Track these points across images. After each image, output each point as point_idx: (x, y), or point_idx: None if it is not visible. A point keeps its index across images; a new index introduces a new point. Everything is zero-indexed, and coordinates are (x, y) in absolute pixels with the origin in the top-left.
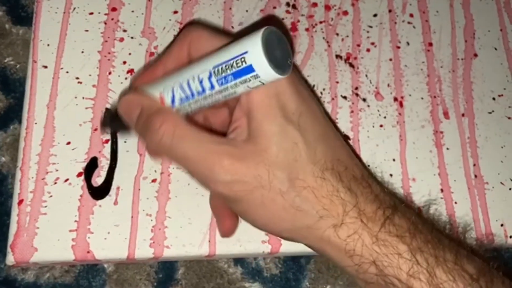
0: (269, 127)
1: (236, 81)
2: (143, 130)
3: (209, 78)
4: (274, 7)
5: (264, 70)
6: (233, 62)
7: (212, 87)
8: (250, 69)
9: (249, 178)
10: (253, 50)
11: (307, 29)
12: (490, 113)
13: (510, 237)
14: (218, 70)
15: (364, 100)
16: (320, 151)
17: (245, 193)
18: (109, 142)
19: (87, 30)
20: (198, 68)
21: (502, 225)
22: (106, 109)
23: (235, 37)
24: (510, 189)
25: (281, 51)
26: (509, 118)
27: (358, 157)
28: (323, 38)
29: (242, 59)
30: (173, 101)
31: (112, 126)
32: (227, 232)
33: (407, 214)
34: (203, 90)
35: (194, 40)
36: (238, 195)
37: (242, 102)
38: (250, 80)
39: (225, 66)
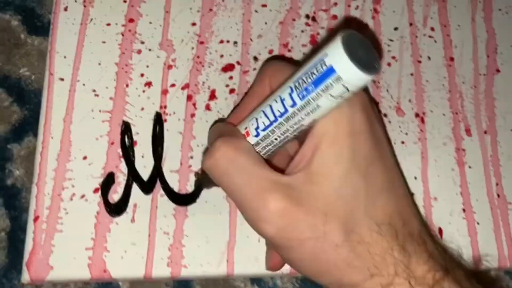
0: (333, 169)
1: (318, 90)
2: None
3: (291, 94)
4: (294, 19)
5: (346, 69)
6: (313, 70)
7: (294, 104)
8: (330, 71)
9: (303, 227)
10: (333, 51)
11: None
12: None
13: None
14: (298, 83)
15: (385, 115)
16: (380, 203)
17: (296, 242)
18: (125, 157)
19: (104, 42)
20: (279, 91)
21: None
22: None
23: None
24: None
25: (365, 52)
26: None
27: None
28: None
29: (322, 63)
30: (257, 132)
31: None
32: (275, 266)
33: (458, 279)
34: (285, 110)
35: (274, 74)
36: (288, 243)
37: (313, 133)
38: (332, 86)
39: (305, 76)
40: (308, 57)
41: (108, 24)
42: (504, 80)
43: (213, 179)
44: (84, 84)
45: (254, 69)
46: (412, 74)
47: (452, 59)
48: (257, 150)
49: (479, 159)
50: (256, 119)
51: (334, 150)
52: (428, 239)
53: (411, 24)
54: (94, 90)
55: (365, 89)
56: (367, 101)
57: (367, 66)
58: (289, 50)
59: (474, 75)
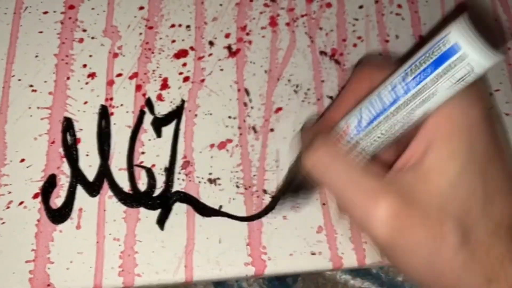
0: (449, 165)
1: (438, 71)
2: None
3: (404, 79)
4: (251, 0)
5: (473, 46)
6: (431, 51)
7: (408, 90)
8: (453, 50)
9: (419, 229)
10: (456, 29)
11: (287, 24)
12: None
13: None
14: (414, 67)
15: None
16: (498, 204)
17: (412, 246)
18: (67, 157)
19: (41, 32)
20: (386, 82)
21: None
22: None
23: None
24: None
25: (490, 31)
26: (507, 114)
27: None
28: (306, 33)
29: (444, 42)
30: (359, 127)
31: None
32: None
33: None
34: (397, 98)
35: (375, 70)
36: (402, 248)
37: (425, 128)
38: (455, 66)
39: (422, 59)
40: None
41: (45, 12)
42: None
43: (316, 178)
44: (19, 79)
45: (210, 54)
46: (380, 54)
47: (421, 37)
48: (357, 151)
49: None
50: (358, 115)
51: (449, 145)
52: None
53: (377, 2)
54: (31, 85)
55: (481, 80)
56: (484, 93)
57: (493, 45)
58: (247, 34)
59: None
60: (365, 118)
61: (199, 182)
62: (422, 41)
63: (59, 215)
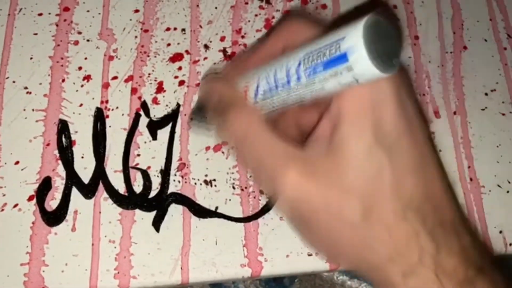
0: (354, 145)
1: (326, 73)
2: (218, 120)
3: (297, 68)
4: (246, 3)
5: (360, 62)
6: (326, 50)
7: (299, 78)
8: (343, 58)
9: (317, 201)
10: (351, 36)
11: None
12: (483, 110)
13: (510, 244)
14: (308, 59)
15: None
16: (409, 185)
17: (308, 216)
18: (62, 159)
19: (36, 34)
20: (287, 58)
21: (501, 232)
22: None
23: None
24: (508, 192)
25: (386, 44)
26: (503, 114)
27: None
28: None
29: (337, 46)
30: (256, 93)
31: (197, 117)
32: None
33: (494, 282)
34: (288, 81)
35: (292, 31)
36: (301, 218)
37: (331, 107)
38: (341, 73)
39: (317, 54)
40: (332, 24)
41: (40, 14)
42: (472, 57)
43: (230, 145)
44: (14, 81)
45: (205, 58)
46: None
47: (417, 37)
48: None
49: (450, 142)
50: (258, 80)
51: (355, 125)
52: (463, 231)
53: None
54: (26, 87)
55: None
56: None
57: (384, 61)
58: (242, 36)
59: (441, 54)
60: (260, 89)
61: (195, 183)
62: (337, 21)
63: (54, 218)
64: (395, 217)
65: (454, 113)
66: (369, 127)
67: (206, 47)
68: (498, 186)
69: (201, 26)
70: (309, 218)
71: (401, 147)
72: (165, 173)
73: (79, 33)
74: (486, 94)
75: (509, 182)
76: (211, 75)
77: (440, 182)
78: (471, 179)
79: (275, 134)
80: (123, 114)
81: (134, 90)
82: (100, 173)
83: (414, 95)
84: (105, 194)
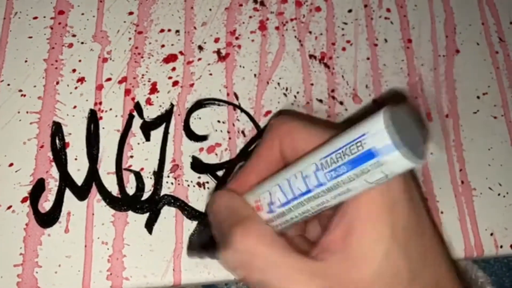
0: (373, 249)
1: (351, 173)
2: (223, 238)
3: (316, 172)
4: (241, 5)
5: (390, 156)
6: (346, 149)
7: (320, 184)
8: (369, 155)
9: None
10: (373, 130)
11: (277, 28)
12: (475, 113)
13: (501, 247)
14: (327, 162)
15: (341, 103)
16: (421, 279)
17: None
18: (56, 161)
19: (30, 37)
20: (299, 166)
21: (491, 234)
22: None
23: (337, 126)
24: (499, 194)
25: (410, 133)
26: (495, 117)
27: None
28: (295, 37)
29: (359, 144)
30: (270, 208)
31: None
32: None
33: None
34: (308, 189)
35: (285, 135)
36: None
37: (344, 210)
38: (369, 171)
39: (336, 155)
40: (340, 126)
41: (35, 18)
42: (464, 60)
43: (237, 270)
44: (8, 84)
45: (199, 59)
46: (368, 59)
47: (410, 41)
48: (274, 225)
49: (442, 145)
50: (270, 193)
51: (371, 230)
52: None
53: (365, 6)
54: (20, 90)
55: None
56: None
57: (412, 150)
58: (236, 38)
59: (434, 57)
60: (276, 201)
61: (188, 185)
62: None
63: (47, 219)
64: None
65: (446, 116)
66: (386, 228)
67: (200, 48)
68: (490, 188)
69: (195, 28)
70: None
71: (414, 244)
72: (158, 174)
73: (74, 35)
74: (478, 97)
75: (500, 185)
76: (219, 191)
77: (444, 266)
78: (462, 182)
79: (285, 249)
80: (116, 116)
81: (127, 92)
82: (93, 175)
83: (420, 189)
84: (98, 196)
